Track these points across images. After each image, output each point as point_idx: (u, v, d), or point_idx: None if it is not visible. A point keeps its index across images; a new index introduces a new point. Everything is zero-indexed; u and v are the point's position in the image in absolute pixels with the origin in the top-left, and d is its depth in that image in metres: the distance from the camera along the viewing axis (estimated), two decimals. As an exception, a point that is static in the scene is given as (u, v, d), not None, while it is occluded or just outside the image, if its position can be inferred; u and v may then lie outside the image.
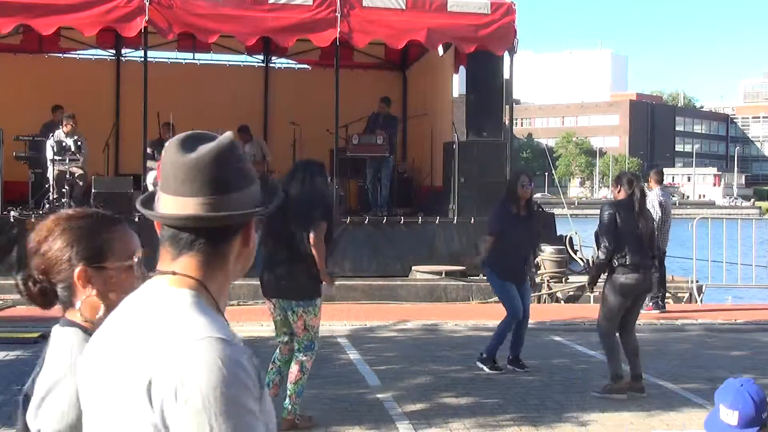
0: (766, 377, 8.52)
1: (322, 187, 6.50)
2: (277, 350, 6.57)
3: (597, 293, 7.91)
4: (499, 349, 8.54)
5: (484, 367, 8.41)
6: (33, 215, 13.53)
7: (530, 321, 11.57)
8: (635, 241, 7.40)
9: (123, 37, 14.38)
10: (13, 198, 14.58)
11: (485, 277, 9.18)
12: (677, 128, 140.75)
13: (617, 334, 7.59)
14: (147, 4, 13.34)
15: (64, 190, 13.86)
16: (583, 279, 12.23)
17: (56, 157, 13.82)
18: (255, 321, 11.24)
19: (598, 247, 7.53)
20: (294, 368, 6.34)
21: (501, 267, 8.50)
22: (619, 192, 7.65)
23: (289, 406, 6.30)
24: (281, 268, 6.31)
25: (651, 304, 12.68)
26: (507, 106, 15.70)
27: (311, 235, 6.27)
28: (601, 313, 7.56)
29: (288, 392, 6.31)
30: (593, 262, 8.18)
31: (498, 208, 8.74)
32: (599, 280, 7.88)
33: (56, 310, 2.27)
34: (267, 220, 6.08)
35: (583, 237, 16.66)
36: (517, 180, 8.68)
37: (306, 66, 18.93)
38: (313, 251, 6.28)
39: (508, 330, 8.53)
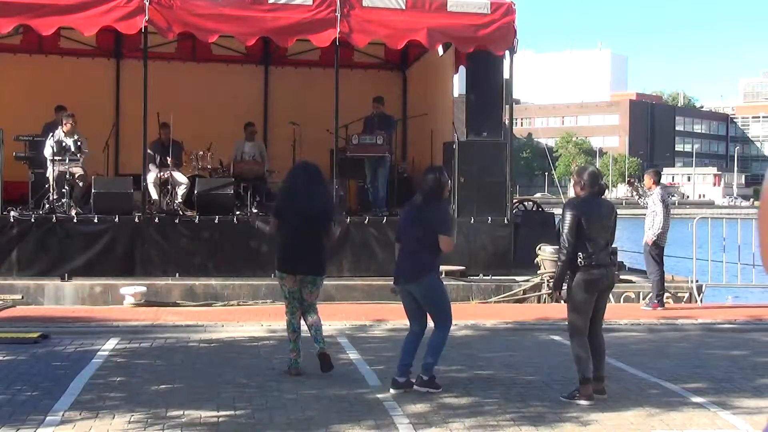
0: (766, 377, 8.53)
1: (331, 188, 7.98)
2: (293, 318, 8.21)
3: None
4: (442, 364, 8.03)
5: (430, 389, 7.59)
6: (33, 215, 13.54)
7: (531, 320, 11.66)
8: (596, 238, 7.36)
9: (123, 37, 14.36)
10: (13, 198, 14.56)
11: (427, 288, 7.95)
12: (677, 128, 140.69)
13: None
14: (147, 4, 13.33)
15: (64, 190, 13.85)
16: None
17: (56, 157, 13.81)
18: (255, 321, 11.25)
19: (560, 247, 7.44)
20: (316, 317, 8.29)
21: (438, 269, 8.22)
22: (580, 188, 7.51)
23: (322, 343, 8.21)
24: (309, 253, 8.09)
25: (657, 301, 12.69)
26: (507, 106, 15.66)
27: (334, 228, 8.28)
28: (570, 315, 7.52)
29: (319, 333, 8.22)
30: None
31: (446, 207, 8.27)
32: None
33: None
34: (297, 215, 8.00)
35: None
36: (445, 176, 7.87)
37: (306, 66, 18.90)
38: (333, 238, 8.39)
39: (445, 341, 7.84)
